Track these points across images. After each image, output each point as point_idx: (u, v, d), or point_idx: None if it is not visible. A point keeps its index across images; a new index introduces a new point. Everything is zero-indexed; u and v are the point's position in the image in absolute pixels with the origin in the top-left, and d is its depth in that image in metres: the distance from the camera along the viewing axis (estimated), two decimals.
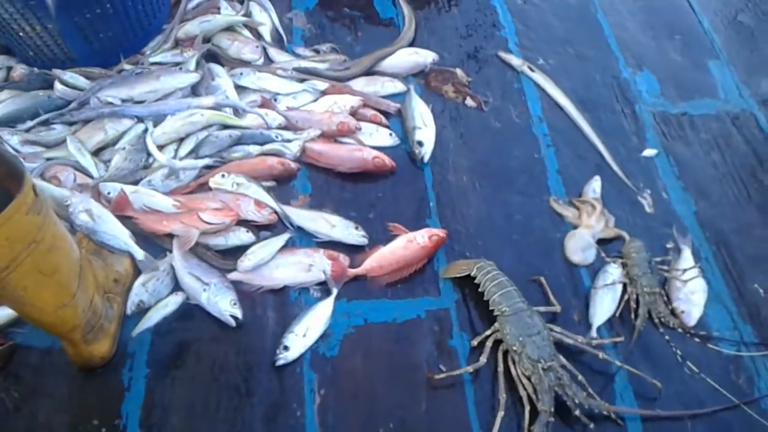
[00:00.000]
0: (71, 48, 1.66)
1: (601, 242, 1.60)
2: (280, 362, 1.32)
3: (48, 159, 1.54)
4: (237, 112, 1.68)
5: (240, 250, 1.45)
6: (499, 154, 1.76)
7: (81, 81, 1.67)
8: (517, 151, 1.78)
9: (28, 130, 1.60)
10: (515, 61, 1.97)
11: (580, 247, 1.58)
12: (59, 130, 1.60)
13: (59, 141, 1.58)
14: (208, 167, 1.58)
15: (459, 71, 1.92)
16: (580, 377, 1.32)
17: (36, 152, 1.55)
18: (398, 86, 1.85)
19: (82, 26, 1.62)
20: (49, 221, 1.05)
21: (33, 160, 1.52)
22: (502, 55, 1.99)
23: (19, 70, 1.70)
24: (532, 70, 1.95)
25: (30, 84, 1.68)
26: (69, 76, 1.66)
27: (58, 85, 1.65)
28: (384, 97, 1.82)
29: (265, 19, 1.94)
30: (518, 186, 1.70)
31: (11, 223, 0.97)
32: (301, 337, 1.35)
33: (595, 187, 1.70)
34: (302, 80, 1.80)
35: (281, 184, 1.62)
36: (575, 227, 1.62)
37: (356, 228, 1.53)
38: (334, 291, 1.43)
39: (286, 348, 1.33)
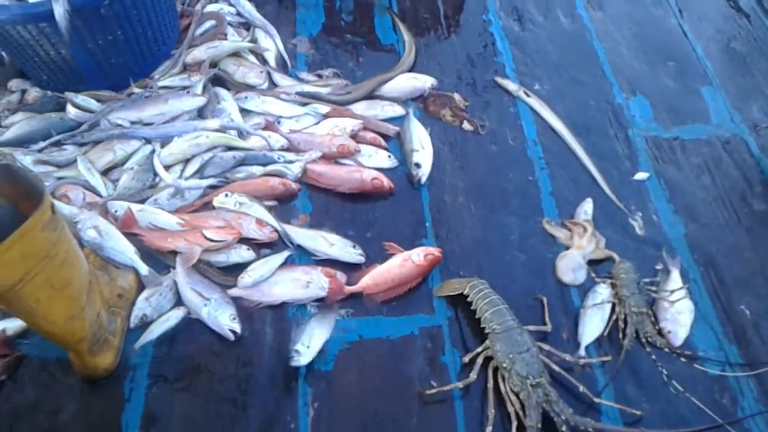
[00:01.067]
0: (83, 72, 1.74)
1: (592, 263, 1.64)
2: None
3: (59, 178, 1.61)
4: (241, 134, 1.75)
5: (241, 266, 1.51)
6: (494, 177, 1.82)
7: (92, 104, 1.74)
8: (512, 174, 1.83)
9: (40, 151, 1.67)
10: (511, 86, 2.04)
11: (571, 267, 1.63)
12: (70, 151, 1.67)
13: (70, 161, 1.65)
14: (213, 187, 1.65)
15: (457, 96, 1.98)
16: (572, 381, 1.37)
17: (48, 171, 1.62)
18: (397, 110, 1.91)
19: (94, 51, 1.69)
20: (64, 238, 1.10)
21: (45, 179, 1.58)
22: (499, 80, 2.06)
23: (33, 93, 1.78)
24: (527, 95, 2.01)
25: (43, 106, 1.75)
26: (81, 98, 1.73)
27: (70, 108, 1.72)
28: (384, 120, 1.89)
29: (270, 45, 2.02)
30: (512, 207, 1.75)
31: (27, 239, 1.02)
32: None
33: (587, 209, 1.75)
34: (305, 104, 1.87)
35: (282, 204, 1.68)
36: (567, 248, 1.67)
37: (354, 247, 1.58)
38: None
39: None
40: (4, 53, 1.84)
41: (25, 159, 1.62)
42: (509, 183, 1.81)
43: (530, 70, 2.11)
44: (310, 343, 1.39)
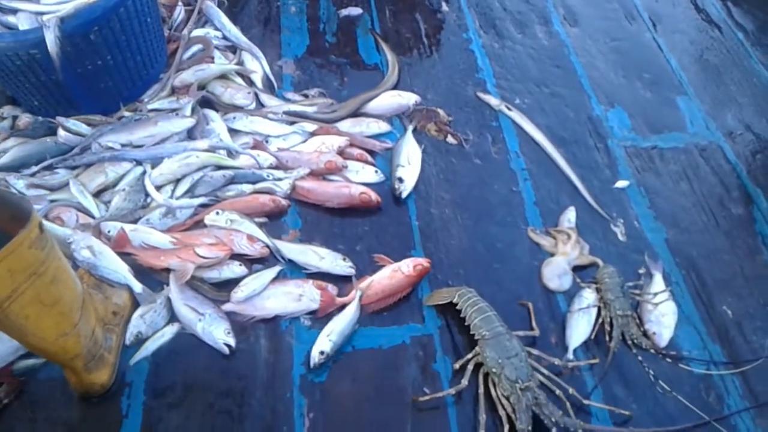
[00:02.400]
0: (74, 97, 1.77)
1: (577, 269, 1.68)
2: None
3: (52, 201, 1.64)
4: (231, 153, 1.79)
5: (233, 282, 1.54)
6: (479, 188, 1.86)
7: (83, 128, 1.77)
8: (496, 185, 1.87)
9: (33, 175, 1.69)
10: (493, 101, 2.09)
11: (556, 273, 1.67)
12: (62, 174, 1.69)
13: (62, 184, 1.67)
14: (204, 205, 1.68)
15: (441, 111, 2.03)
16: (558, 391, 1.40)
17: (41, 195, 1.64)
18: (382, 126, 1.96)
19: (85, 76, 1.73)
20: (53, 256, 1.13)
21: (38, 203, 1.61)
22: (481, 95, 2.11)
23: (25, 119, 1.80)
24: (509, 109, 2.07)
25: (35, 131, 1.78)
26: (72, 123, 1.76)
27: (61, 132, 1.75)
28: (369, 136, 1.93)
29: (257, 67, 2.06)
30: (498, 218, 1.80)
31: (13, 256, 1.04)
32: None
33: (570, 217, 1.80)
34: (292, 123, 1.92)
35: (273, 220, 1.71)
36: (552, 255, 1.71)
37: (344, 259, 1.61)
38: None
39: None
40: None
41: (17, 183, 1.64)
42: (494, 194, 1.85)
43: (511, 85, 2.17)
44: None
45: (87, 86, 1.76)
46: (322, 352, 1.43)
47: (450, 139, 1.97)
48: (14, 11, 1.74)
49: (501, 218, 1.79)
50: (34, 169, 1.70)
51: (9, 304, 1.07)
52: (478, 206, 1.82)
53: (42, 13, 1.72)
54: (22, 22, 1.72)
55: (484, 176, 1.89)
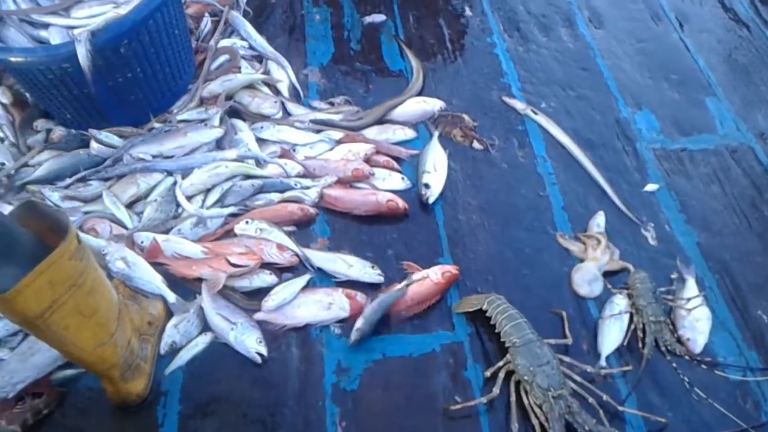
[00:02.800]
0: (105, 109, 1.80)
1: (607, 274, 1.67)
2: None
3: (86, 213, 1.67)
4: (259, 162, 1.80)
5: (264, 291, 1.55)
6: (506, 194, 1.85)
7: (115, 139, 1.80)
8: (523, 190, 1.87)
9: (67, 187, 1.73)
10: (519, 105, 2.08)
11: (586, 279, 1.65)
12: (95, 186, 1.73)
13: (96, 196, 1.70)
14: (233, 215, 1.70)
15: (466, 116, 2.03)
16: (591, 399, 1.39)
17: (75, 207, 1.67)
18: (408, 133, 1.96)
19: (116, 89, 1.76)
20: (90, 267, 1.15)
21: (73, 214, 1.64)
22: (506, 99, 2.11)
23: (58, 132, 1.83)
24: (535, 113, 2.06)
25: (68, 144, 1.81)
26: (104, 135, 1.80)
27: (93, 144, 1.78)
28: (395, 143, 1.94)
29: (283, 76, 2.08)
30: (525, 223, 1.79)
31: (54, 268, 1.07)
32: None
33: (599, 221, 1.78)
34: (318, 131, 1.93)
35: (301, 229, 1.72)
36: (581, 261, 1.70)
37: (372, 267, 1.62)
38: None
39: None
40: (27, 94, 1.91)
41: (53, 195, 1.68)
42: (521, 199, 1.84)
43: (536, 89, 2.16)
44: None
45: (118, 98, 1.79)
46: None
47: (476, 144, 1.97)
48: (46, 26, 1.78)
49: (529, 223, 1.79)
50: (69, 181, 1.74)
51: (50, 315, 1.09)
52: (506, 212, 1.81)
53: (73, 27, 1.76)
54: (54, 36, 1.76)
55: (511, 181, 1.89)
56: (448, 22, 2.39)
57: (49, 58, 1.63)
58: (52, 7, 1.80)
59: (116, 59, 1.69)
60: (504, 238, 1.75)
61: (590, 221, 1.79)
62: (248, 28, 2.16)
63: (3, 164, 1.75)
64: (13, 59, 1.62)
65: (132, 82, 1.78)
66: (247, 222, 1.65)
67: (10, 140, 1.83)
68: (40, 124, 1.88)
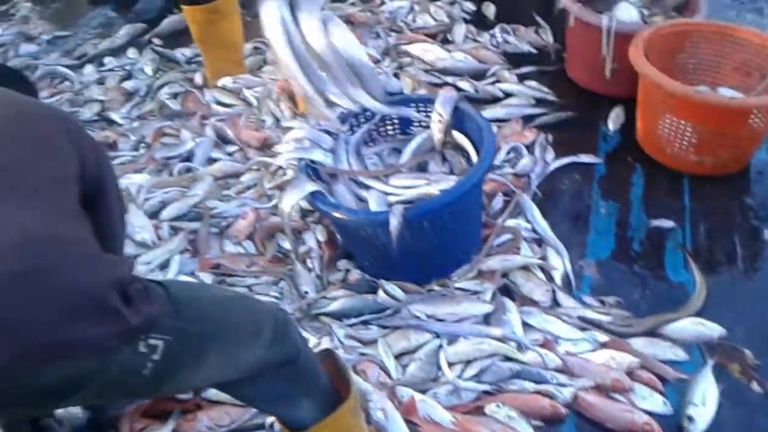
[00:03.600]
0: (398, 266, 2.06)
1: None
2: None
3: (361, 354, 1.89)
4: (520, 347, 1.87)
5: None
6: None
7: (398, 293, 2.04)
8: None
9: (351, 326, 1.99)
10: None
11: None
12: (374, 332, 1.95)
13: (372, 340, 1.93)
14: (487, 393, 1.77)
15: (748, 352, 1.87)
16: None
17: (354, 346, 1.91)
18: (679, 354, 1.87)
19: (411, 252, 2.00)
20: (361, 425, 1.33)
21: (350, 353, 1.87)
22: None
23: (355, 275, 2.14)
24: None
25: (360, 287, 2.10)
26: (390, 287, 2.04)
27: (380, 293, 2.04)
28: (663, 361, 1.86)
29: (559, 264, 2.15)
30: None
31: (340, 421, 1.25)
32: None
33: None
34: (584, 329, 1.95)
35: (548, 425, 1.72)
36: None
37: None
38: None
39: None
40: (339, 236, 2.27)
41: (339, 332, 1.94)
42: None
43: None
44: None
45: (410, 259, 2.03)
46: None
47: (755, 386, 1.80)
48: (367, 187, 2.11)
49: None
50: (353, 321, 2.00)
51: None
52: None
53: (388, 194, 2.07)
54: (372, 199, 2.07)
55: None
56: (743, 240, 2.26)
57: (367, 221, 1.95)
58: (376, 172, 2.15)
59: (418, 230, 1.93)
60: None
61: None
62: (535, 212, 2.31)
63: (307, 293, 2.09)
64: (337, 215, 1.95)
65: (425, 249, 2.01)
66: (498, 405, 1.71)
67: (316, 272, 2.18)
68: (343, 264, 2.21)
